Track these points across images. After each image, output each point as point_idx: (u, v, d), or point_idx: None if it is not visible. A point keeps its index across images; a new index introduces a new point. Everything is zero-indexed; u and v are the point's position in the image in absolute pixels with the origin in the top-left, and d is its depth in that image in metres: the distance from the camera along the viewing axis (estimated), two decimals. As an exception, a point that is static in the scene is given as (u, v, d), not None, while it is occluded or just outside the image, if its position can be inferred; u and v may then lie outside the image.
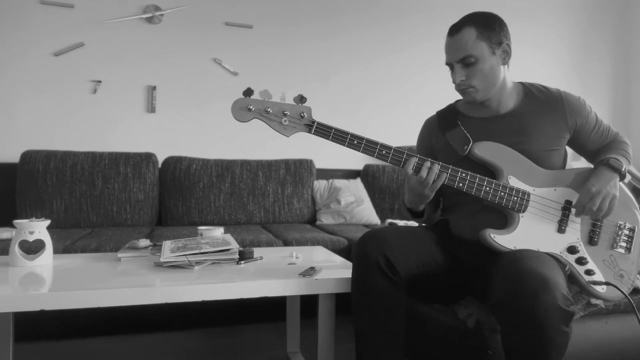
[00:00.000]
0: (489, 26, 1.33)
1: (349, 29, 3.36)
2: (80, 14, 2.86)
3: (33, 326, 1.94)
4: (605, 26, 3.98)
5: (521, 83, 1.45)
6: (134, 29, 2.95)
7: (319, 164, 3.15)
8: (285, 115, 1.29)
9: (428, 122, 1.56)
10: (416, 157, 1.30)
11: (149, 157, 2.74)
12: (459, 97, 1.53)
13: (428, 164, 1.29)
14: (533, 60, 3.72)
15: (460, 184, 1.32)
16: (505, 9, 3.68)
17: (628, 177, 1.50)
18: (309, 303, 1.87)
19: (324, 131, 1.30)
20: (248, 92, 1.28)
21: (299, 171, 2.95)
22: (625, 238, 1.38)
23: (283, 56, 3.23)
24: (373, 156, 1.30)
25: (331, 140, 1.29)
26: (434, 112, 1.56)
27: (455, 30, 1.33)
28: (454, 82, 1.36)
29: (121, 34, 2.93)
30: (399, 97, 3.46)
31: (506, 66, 1.38)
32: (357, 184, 3.05)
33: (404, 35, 3.47)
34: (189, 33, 3.05)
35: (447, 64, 1.38)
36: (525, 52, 3.58)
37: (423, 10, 3.52)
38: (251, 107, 1.28)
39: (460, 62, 1.33)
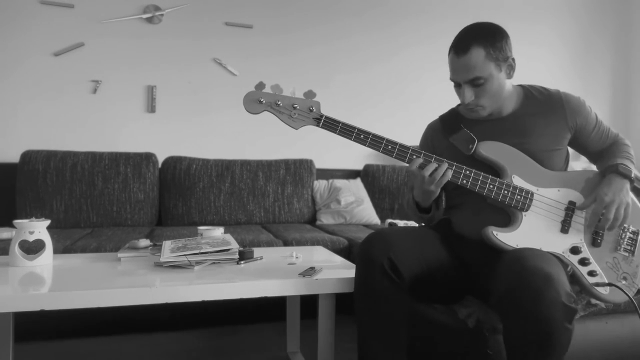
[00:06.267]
0: (495, 45, 1.30)
1: (350, 30, 3.36)
2: (80, 14, 2.86)
3: (33, 326, 1.94)
4: (605, 26, 3.98)
5: (521, 85, 1.46)
6: (134, 29, 2.95)
7: (319, 164, 3.15)
8: (294, 108, 1.32)
9: (431, 126, 1.57)
10: (421, 153, 1.31)
11: (149, 157, 2.74)
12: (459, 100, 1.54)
13: (434, 163, 1.30)
14: (533, 60, 3.71)
15: (464, 181, 1.32)
16: (505, 9, 3.73)
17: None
18: (309, 303, 1.87)
19: (331, 125, 1.32)
20: (260, 86, 1.32)
21: (299, 171, 2.95)
22: (629, 241, 1.37)
23: (283, 56, 3.23)
24: (379, 151, 1.31)
25: (338, 134, 1.31)
26: (436, 115, 1.57)
27: (462, 50, 1.30)
28: (462, 101, 1.35)
29: (121, 34, 2.93)
30: (401, 100, 3.45)
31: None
32: (357, 184, 3.05)
33: (405, 37, 3.47)
34: (189, 33, 3.05)
35: (453, 80, 1.36)
36: (525, 52, 3.58)
37: (424, 12, 3.51)
38: (262, 100, 1.31)
39: (469, 82, 1.32)
